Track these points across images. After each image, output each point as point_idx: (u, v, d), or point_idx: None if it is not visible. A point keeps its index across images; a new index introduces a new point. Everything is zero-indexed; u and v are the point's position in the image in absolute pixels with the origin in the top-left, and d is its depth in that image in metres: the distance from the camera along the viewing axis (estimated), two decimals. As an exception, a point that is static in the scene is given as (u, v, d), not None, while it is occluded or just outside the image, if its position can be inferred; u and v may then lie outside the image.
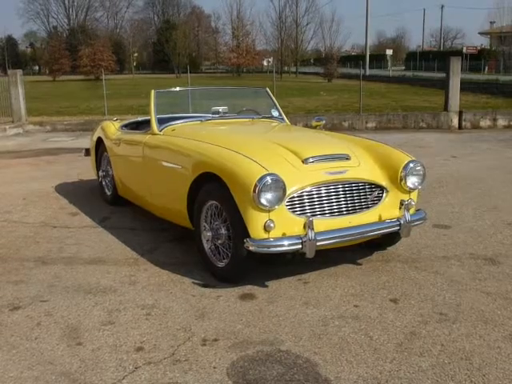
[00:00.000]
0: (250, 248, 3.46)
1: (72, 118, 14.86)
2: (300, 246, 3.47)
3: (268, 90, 5.69)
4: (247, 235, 3.50)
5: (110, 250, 4.55)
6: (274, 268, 4.05)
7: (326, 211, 3.75)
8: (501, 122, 13.53)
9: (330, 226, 3.69)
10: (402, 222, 3.87)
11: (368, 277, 3.96)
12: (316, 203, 3.73)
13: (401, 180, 4.00)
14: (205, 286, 3.81)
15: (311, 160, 3.82)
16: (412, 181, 4.04)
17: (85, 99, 22.17)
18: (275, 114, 5.48)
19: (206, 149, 4.04)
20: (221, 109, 5.19)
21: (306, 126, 12.81)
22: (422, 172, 4.08)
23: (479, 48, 52.61)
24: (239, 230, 3.57)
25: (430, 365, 2.79)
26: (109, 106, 14.70)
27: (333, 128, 13.25)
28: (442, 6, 72.24)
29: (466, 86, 19.77)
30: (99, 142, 6.06)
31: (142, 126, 5.61)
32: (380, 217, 3.93)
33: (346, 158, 3.99)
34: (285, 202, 3.58)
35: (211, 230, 3.88)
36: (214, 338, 3.09)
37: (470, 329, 3.17)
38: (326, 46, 61.06)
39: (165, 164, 4.42)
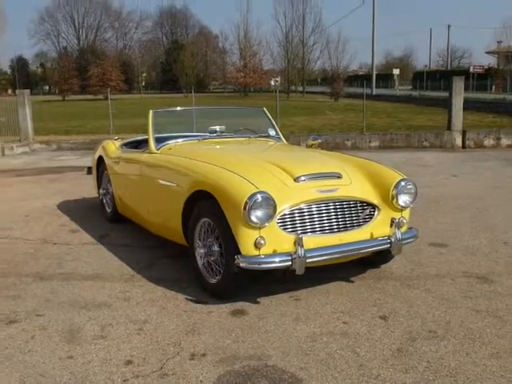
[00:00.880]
0: (241, 264, 3.52)
1: (79, 136, 15.07)
2: (290, 263, 3.53)
3: (265, 109, 5.79)
4: (238, 252, 3.56)
5: (107, 267, 4.62)
6: (267, 285, 4.10)
7: (317, 229, 3.81)
8: (504, 140, 13.56)
9: (321, 243, 3.75)
10: (392, 239, 3.92)
11: (359, 294, 4.00)
12: (307, 221, 3.79)
13: (392, 198, 4.06)
14: (197, 302, 3.86)
15: (303, 178, 3.89)
16: (403, 199, 4.09)
17: (92, 118, 22.45)
18: (272, 133, 5.58)
19: (200, 167, 4.12)
20: (218, 128, 5.30)
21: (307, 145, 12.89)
22: (413, 190, 4.14)
23: (486, 67, 52.74)
24: (231, 246, 3.64)
25: (414, 381, 2.82)
26: (116, 125, 14.89)
27: (336, 147, 13.34)
28: (449, 26, 72.74)
29: (471, 105, 19.87)
30: (100, 160, 6.18)
31: (142, 145, 5.72)
32: (372, 234, 3.98)
33: (338, 176, 4.06)
34: (276, 220, 3.64)
35: (204, 246, 3.95)
36: (202, 352, 3.14)
37: (458, 346, 3.19)
38: (332, 65, 61.41)
39: (161, 182, 4.52)
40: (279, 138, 5.57)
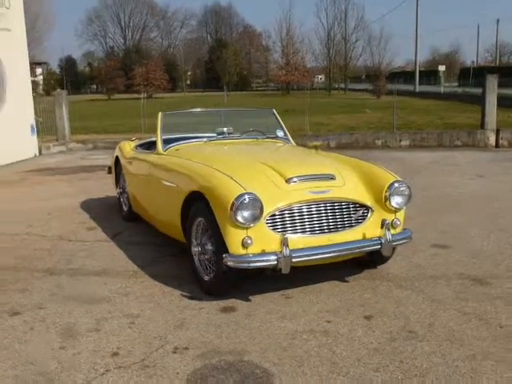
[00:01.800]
0: (228, 263, 3.66)
1: (115, 135, 15.50)
2: (276, 263, 3.64)
3: (275, 111, 5.89)
4: (227, 251, 3.70)
5: (114, 263, 4.84)
6: (261, 283, 4.22)
7: (307, 229, 3.90)
8: (542, 140, 13.18)
9: (309, 243, 3.84)
10: (382, 240, 3.97)
11: (350, 294, 4.07)
12: (297, 221, 3.89)
13: (385, 200, 4.11)
14: (192, 298, 4.02)
15: (295, 180, 3.99)
16: (396, 201, 4.14)
17: (132, 117, 22.97)
18: (280, 134, 5.68)
19: (196, 168, 4.29)
20: (225, 129, 5.44)
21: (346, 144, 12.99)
22: (406, 192, 4.18)
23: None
24: (220, 245, 3.78)
25: (381, 380, 2.90)
26: (149, 124, 15.22)
27: (365, 146, 13.31)
28: (498, 20, 70.61)
29: (512, 103, 19.34)
30: (117, 160, 6.43)
31: (154, 145, 5.91)
32: (364, 235, 4.04)
33: (331, 177, 4.14)
34: (264, 220, 3.76)
35: (199, 245, 4.11)
36: (185, 346, 3.29)
37: (435, 347, 3.23)
38: (374, 62, 60.71)
39: (164, 182, 4.70)
40: (287, 139, 5.67)
